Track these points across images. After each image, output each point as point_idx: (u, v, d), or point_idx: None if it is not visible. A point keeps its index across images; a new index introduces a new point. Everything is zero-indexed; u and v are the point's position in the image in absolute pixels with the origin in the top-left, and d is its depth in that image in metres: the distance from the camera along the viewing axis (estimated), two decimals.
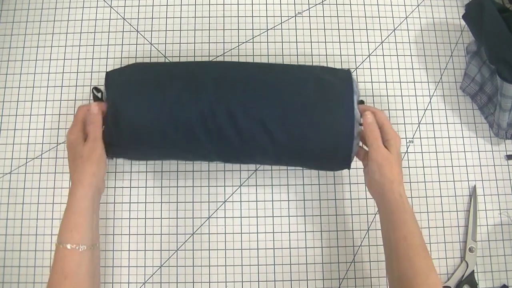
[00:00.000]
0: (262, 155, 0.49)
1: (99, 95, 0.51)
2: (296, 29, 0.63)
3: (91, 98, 0.52)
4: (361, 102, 0.52)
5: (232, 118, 0.46)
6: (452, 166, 0.59)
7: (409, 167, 0.59)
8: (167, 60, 0.61)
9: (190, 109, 0.46)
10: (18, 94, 0.60)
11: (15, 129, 0.59)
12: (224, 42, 0.62)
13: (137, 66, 0.52)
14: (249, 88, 0.47)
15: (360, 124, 0.49)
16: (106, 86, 0.48)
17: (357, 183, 0.58)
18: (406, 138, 0.60)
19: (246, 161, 0.53)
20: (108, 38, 0.62)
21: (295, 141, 0.47)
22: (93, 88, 0.51)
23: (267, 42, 0.62)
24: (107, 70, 0.50)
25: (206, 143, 0.47)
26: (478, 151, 0.60)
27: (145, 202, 0.57)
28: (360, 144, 0.50)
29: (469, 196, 0.58)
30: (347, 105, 0.47)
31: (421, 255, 0.42)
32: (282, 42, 0.62)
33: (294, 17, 0.63)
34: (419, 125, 0.60)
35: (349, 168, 0.49)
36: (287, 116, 0.46)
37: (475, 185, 0.58)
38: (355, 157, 0.50)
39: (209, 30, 0.62)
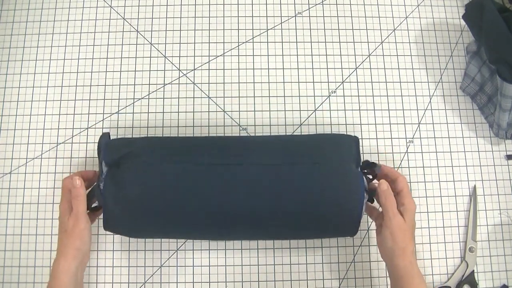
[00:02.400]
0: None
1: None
2: (296, 29, 0.63)
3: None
4: (373, 164, 0.49)
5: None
6: (452, 166, 0.59)
7: (409, 167, 0.59)
8: (167, 61, 0.61)
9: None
10: (18, 94, 0.60)
11: (15, 129, 0.59)
12: (224, 42, 0.62)
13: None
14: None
15: (372, 179, 0.49)
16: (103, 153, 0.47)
17: None
18: (406, 138, 0.60)
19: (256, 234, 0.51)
20: (108, 38, 0.62)
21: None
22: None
23: (267, 42, 0.62)
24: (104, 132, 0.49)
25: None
26: (478, 151, 0.60)
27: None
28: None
29: (469, 196, 0.58)
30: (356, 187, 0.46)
31: None
32: (282, 42, 0.62)
33: (294, 17, 0.63)
34: (419, 125, 0.60)
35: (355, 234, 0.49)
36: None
37: (475, 185, 0.58)
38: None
39: (209, 30, 0.62)
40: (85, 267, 0.47)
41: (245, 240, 0.56)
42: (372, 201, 0.49)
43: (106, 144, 0.47)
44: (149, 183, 0.45)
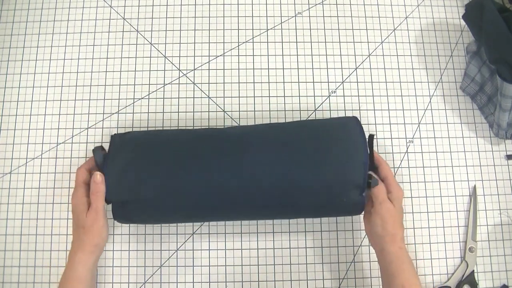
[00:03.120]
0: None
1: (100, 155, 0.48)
2: (296, 29, 0.63)
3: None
4: (371, 136, 0.50)
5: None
6: (452, 166, 0.59)
7: (409, 167, 0.59)
8: (167, 61, 0.61)
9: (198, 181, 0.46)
10: (18, 94, 0.60)
11: (15, 129, 0.59)
12: (224, 42, 0.62)
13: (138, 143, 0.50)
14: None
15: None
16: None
17: None
18: (406, 138, 0.60)
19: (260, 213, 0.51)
20: (108, 38, 0.62)
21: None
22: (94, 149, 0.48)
23: (267, 42, 0.62)
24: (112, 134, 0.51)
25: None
26: (478, 151, 0.60)
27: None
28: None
29: (469, 196, 0.58)
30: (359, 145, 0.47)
31: None
32: (282, 42, 0.62)
33: (294, 17, 0.63)
34: (419, 125, 0.60)
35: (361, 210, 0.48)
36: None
37: (475, 185, 0.58)
38: None
39: (209, 30, 0.62)
40: (98, 260, 0.48)
41: (252, 220, 0.55)
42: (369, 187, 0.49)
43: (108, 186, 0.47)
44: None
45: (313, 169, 0.45)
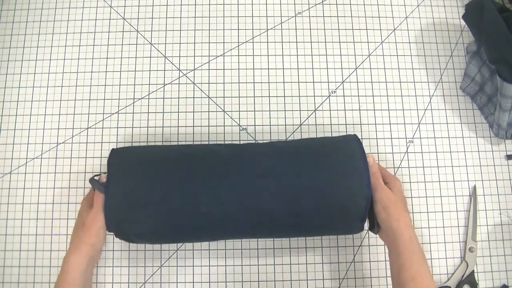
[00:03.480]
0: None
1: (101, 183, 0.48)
2: (296, 29, 0.63)
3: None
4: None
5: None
6: (452, 166, 0.59)
7: (409, 167, 0.59)
8: (167, 61, 0.61)
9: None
10: (18, 94, 0.60)
11: (15, 129, 0.59)
12: (224, 42, 0.62)
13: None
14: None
15: None
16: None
17: None
18: (406, 138, 0.60)
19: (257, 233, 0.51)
20: (108, 38, 0.62)
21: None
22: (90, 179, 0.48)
23: (267, 42, 0.62)
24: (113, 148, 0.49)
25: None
26: (478, 151, 0.60)
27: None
28: None
29: (469, 196, 0.58)
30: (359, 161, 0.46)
31: None
32: (282, 42, 0.62)
33: (294, 17, 0.63)
34: (419, 125, 0.60)
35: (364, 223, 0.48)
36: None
37: (475, 185, 0.58)
38: None
39: (209, 30, 0.62)
40: (95, 265, 0.48)
41: (253, 239, 0.55)
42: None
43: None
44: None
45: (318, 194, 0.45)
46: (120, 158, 0.48)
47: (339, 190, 0.45)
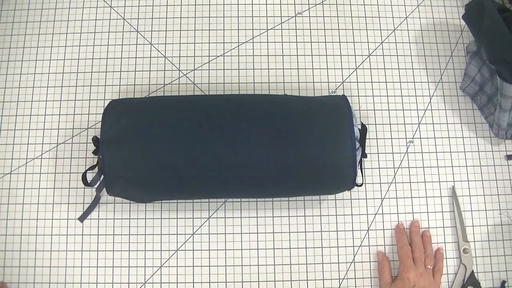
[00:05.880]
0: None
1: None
2: (296, 29, 0.63)
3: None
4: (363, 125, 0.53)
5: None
6: (452, 166, 0.59)
7: (409, 167, 0.59)
8: (167, 61, 0.61)
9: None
10: (18, 94, 0.60)
11: (15, 129, 0.59)
12: (224, 42, 0.62)
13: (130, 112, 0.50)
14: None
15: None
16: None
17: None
18: (406, 138, 0.60)
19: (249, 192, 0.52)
20: (108, 38, 0.62)
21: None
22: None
23: (267, 42, 0.62)
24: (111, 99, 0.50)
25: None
26: (478, 151, 0.60)
27: (145, 203, 0.57)
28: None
29: (469, 196, 0.58)
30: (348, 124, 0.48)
31: None
32: (282, 42, 0.62)
33: (294, 17, 0.63)
34: (419, 125, 0.60)
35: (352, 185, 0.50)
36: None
37: (453, 186, 0.58)
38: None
39: (209, 30, 0.62)
40: None
41: (245, 198, 0.55)
42: (365, 156, 0.51)
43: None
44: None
45: (304, 151, 0.47)
46: (116, 107, 0.50)
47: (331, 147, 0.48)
